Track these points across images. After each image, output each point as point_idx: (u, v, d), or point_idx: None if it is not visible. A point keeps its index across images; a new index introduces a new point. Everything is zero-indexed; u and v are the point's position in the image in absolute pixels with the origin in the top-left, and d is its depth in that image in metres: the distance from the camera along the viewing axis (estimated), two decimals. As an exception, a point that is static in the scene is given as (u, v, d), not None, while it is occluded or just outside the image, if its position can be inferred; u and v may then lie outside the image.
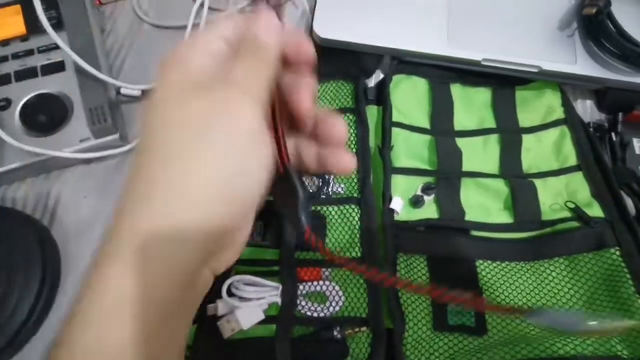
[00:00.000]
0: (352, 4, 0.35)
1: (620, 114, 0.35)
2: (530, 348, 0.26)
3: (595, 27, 0.34)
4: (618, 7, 0.34)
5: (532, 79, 0.36)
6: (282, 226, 0.30)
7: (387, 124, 0.33)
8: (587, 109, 0.38)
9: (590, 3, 0.33)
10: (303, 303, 0.28)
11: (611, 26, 0.33)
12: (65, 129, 0.33)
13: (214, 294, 0.27)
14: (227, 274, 0.27)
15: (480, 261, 0.30)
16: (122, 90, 0.36)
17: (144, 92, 0.36)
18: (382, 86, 0.35)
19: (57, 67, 0.35)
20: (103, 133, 0.33)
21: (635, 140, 0.36)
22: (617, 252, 0.29)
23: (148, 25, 0.39)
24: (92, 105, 0.33)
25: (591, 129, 0.35)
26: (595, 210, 0.31)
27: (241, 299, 0.27)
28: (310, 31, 0.35)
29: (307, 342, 0.26)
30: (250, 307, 0.26)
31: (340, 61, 0.36)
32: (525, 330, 0.27)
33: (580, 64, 0.35)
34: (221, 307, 0.26)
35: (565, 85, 0.36)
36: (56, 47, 0.34)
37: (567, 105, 0.36)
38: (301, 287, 0.28)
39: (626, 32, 0.33)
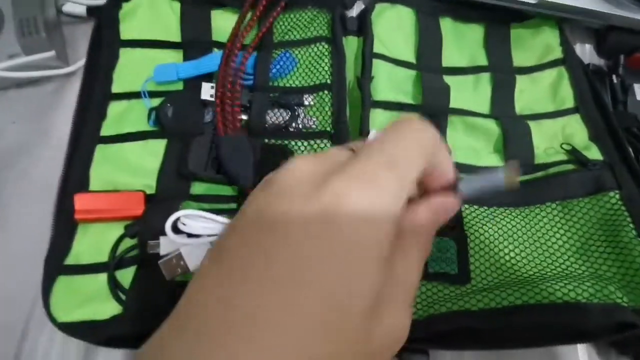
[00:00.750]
0: None
1: (622, 57, 0.32)
2: (519, 294, 0.23)
3: (600, -48, 0.31)
4: None
5: (529, 14, 0.32)
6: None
7: (367, 54, 0.29)
8: (585, 53, 0.35)
9: None
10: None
11: (618, -48, 0.30)
12: (-9, 44, 0.28)
13: (158, 231, 0.23)
14: (173, 208, 0.23)
15: (466, 206, 0.27)
16: (65, 8, 0.31)
17: (89, 10, 0.31)
18: (364, 15, 0.31)
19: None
20: (35, 48, 0.28)
21: (637, 86, 0.33)
22: (617, 196, 0.26)
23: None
24: (23, 15, 0.28)
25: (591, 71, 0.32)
26: (593, 153, 0.28)
27: (189, 236, 0.23)
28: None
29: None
30: (198, 245, 0.22)
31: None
32: (513, 278, 0.24)
33: (582, -5, 0.31)
34: (164, 244, 0.22)
35: (564, 24, 0.33)
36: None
37: (565, 44, 0.32)
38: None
39: (634, -41, 0.30)
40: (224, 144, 0.25)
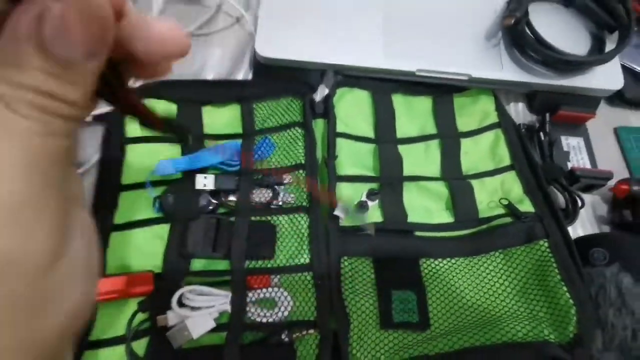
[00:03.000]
0: (291, 23, 0.37)
1: (548, 115, 0.38)
2: (467, 337, 0.27)
3: (516, 36, 0.37)
4: (536, 16, 0.37)
5: (464, 87, 0.39)
6: (231, 237, 0.31)
7: (331, 135, 0.35)
8: (519, 112, 0.41)
9: (509, 14, 0.36)
10: (253, 309, 0.29)
11: (530, 34, 0.36)
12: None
13: (164, 306, 0.28)
14: (178, 285, 0.28)
15: (424, 259, 0.32)
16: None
17: (94, 116, 0.37)
18: (327, 99, 0.37)
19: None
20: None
21: (562, 138, 0.39)
22: (546, 244, 0.31)
23: None
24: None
25: (523, 130, 0.38)
26: (526, 206, 0.33)
27: (192, 309, 0.28)
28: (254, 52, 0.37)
29: (255, 347, 0.27)
30: (200, 316, 0.27)
31: (286, 78, 0.37)
32: (465, 321, 0.29)
33: (506, 70, 0.37)
34: (171, 317, 0.27)
35: (499, 90, 0.39)
36: None
37: (500, 109, 0.38)
38: (250, 294, 0.29)
39: (544, 39, 0.36)
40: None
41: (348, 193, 0.34)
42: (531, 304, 0.29)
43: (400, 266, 0.31)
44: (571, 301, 0.28)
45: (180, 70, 0.40)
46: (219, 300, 0.28)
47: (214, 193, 0.32)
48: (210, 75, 0.39)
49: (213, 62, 0.40)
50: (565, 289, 0.28)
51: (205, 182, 0.32)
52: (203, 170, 0.33)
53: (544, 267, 0.30)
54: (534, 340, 0.27)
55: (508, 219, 0.33)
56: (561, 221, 0.32)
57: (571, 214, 0.34)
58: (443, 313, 0.30)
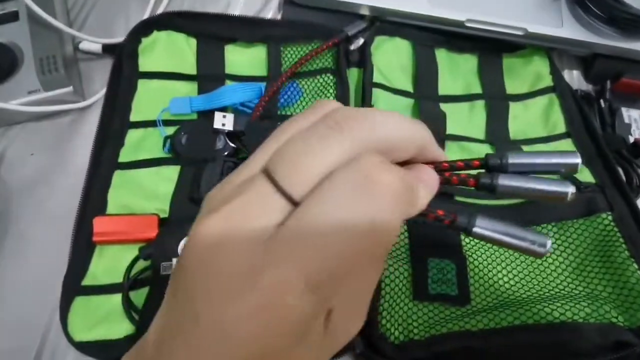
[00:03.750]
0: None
1: (608, 82, 0.34)
2: (517, 314, 0.23)
3: (582, -11, 0.33)
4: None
5: (517, 43, 0.35)
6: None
7: (367, 85, 0.31)
8: (574, 79, 0.37)
9: (577, -36, 0.32)
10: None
11: (599, -12, 0.32)
12: (14, 79, 0.30)
13: (170, 253, 0.24)
14: (185, 232, 0.24)
15: (464, 227, 0.28)
16: (82, 46, 0.33)
17: (104, 48, 0.33)
18: (364, 48, 0.34)
19: (11, 16, 0.32)
20: (54, 84, 0.30)
21: (623, 109, 0.34)
22: (610, 217, 0.27)
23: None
24: (43, 54, 0.30)
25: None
26: (585, 176, 0.29)
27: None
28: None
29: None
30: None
31: (321, 22, 0.34)
32: (512, 298, 0.25)
33: (566, 27, 0.33)
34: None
35: (552, 53, 0.35)
36: (11, -4, 0.32)
37: (555, 73, 0.34)
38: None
39: (614, -6, 0.32)
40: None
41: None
42: (592, 282, 0.25)
43: (438, 232, 0.28)
44: (644, 280, 0.24)
45: (205, 6, 0.36)
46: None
47: (230, 136, 0.29)
48: (236, 13, 0.36)
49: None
50: (636, 266, 0.24)
51: (224, 121, 0.28)
52: (222, 109, 0.29)
53: (607, 242, 0.26)
54: (597, 322, 0.23)
55: (563, 189, 0.29)
56: (627, 192, 0.28)
57: (636, 188, 0.30)
58: (486, 287, 0.26)
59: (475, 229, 0.15)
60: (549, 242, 0.14)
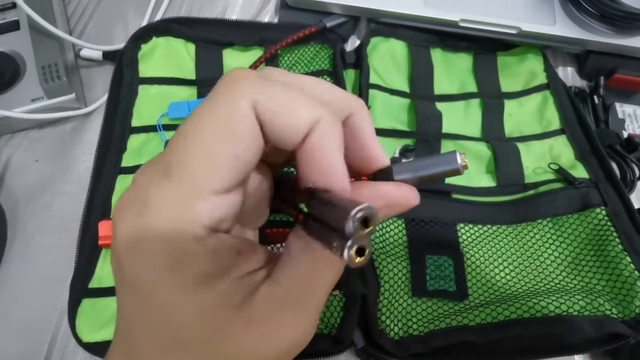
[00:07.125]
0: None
1: (602, 78, 0.35)
2: (514, 308, 0.24)
3: (574, -13, 0.34)
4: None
5: (511, 42, 0.35)
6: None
7: (363, 86, 0.32)
8: (568, 76, 0.37)
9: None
10: (271, 266, 0.25)
11: (590, -14, 0.33)
12: (16, 88, 0.30)
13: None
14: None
15: (462, 225, 0.28)
16: (82, 53, 0.34)
17: (105, 54, 0.34)
18: (360, 49, 0.34)
19: (12, 26, 0.32)
20: (57, 92, 0.30)
21: (617, 105, 0.35)
22: (604, 212, 0.27)
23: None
24: (44, 62, 0.31)
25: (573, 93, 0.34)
26: (579, 172, 0.30)
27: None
28: (283, -9, 0.34)
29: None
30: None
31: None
32: (509, 292, 0.26)
33: (559, 25, 0.34)
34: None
35: (546, 51, 0.36)
36: (12, 6, 0.33)
37: (549, 70, 0.35)
38: (269, 248, 0.26)
39: (606, -8, 0.32)
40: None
41: (380, 147, 0.30)
42: (586, 276, 0.26)
43: (436, 229, 0.28)
44: (637, 273, 0.24)
45: (202, 12, 0.37)
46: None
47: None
48: (233, 17, 0.36)
49: (237, 3, 0.37)
50: (629, 259, 0.25)
51: (223, 125, 0.29)
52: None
53: (602, 236, 0.26)
54: (591, 315, 0.23)
55: (558, 185, 0.29)
56: (621, 187, 0.28)
57: (629, 183, 0.30)
58: (483, 283, 0.26)
59: (396, 179, 0.14)
60: (458, 156, 0.13)
